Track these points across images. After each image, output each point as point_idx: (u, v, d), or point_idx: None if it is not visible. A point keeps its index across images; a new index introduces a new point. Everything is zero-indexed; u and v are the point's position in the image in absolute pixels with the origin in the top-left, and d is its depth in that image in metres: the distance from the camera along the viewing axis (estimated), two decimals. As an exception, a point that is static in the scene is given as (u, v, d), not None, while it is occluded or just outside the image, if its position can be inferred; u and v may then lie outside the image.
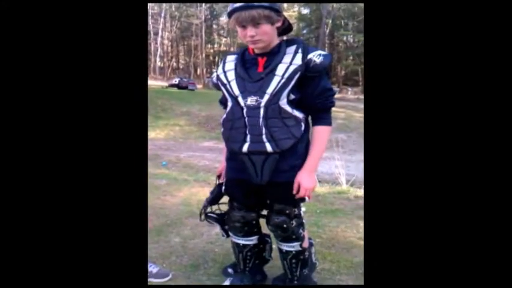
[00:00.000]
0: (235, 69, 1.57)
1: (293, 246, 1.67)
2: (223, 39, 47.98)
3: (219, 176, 1.84)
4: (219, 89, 1.64)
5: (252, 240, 1.75)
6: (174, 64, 45.73)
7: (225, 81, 1.58)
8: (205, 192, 3.72)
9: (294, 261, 1.70)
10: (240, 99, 1.51)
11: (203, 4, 38.76)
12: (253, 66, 1.54)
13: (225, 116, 1.62)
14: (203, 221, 1.83)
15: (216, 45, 48.04)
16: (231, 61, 1.61)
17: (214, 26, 47.20)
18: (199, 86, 29.95)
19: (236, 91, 1.53)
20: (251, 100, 1.48)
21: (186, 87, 26.46)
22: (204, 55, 41.32)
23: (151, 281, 1.89)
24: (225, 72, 1.59)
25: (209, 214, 1.81)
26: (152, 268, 1.93)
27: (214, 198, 1.80)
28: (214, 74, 1.67)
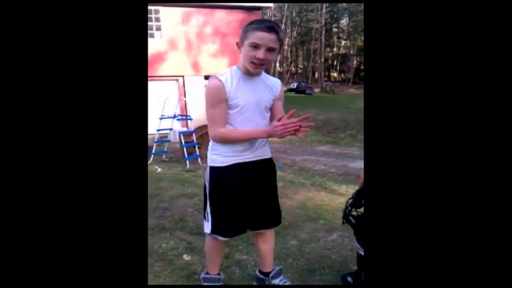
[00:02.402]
0: None
1: None
2: (343, 42, 47.05)
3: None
4: None
5: None
6: (293, 69, 46.57)
7: None
8: (321, 197, 3.71)
9: None
10: None
11: (323, 8, 38.63)
12: None
13: None
14: (344, 224, 1.78)
15: (335, 49, 47.39)
16: None
17: (334, 29, 46.62)
18: (316, 90, 29.91)
19: None
20: None
21: (304, 91, 26.70)
22: (322, 59, 41.13)
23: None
24: None
25: (349, 217, 1.73)
26: (284, 283, 1.84)
27: (355, 202, 1.73)
28: None
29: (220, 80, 1.49)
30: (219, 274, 1.83)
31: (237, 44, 1.51)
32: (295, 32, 42.73)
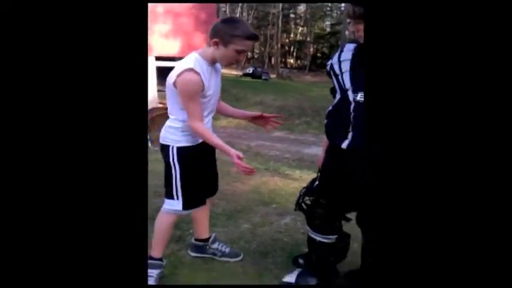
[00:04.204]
0: (352, 59, 1.48)
1: None
2: (300, 29, 47.48)
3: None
4: (331, 78, 1.56)
5: (331, 239, 1.70)
6: (249, 54, 46.41)
7: (337, 71, 1.51)
8: (275, 182, 3.75)
9: None
10: (349, 93, 1.44)
11: (281, -7, 38.61)
12: None
13: (330, 107, 1.57)
14: (296, 211, 1.82)
15: (292, 35, 47.74)
16: (349, 50, 1.51)
17: (292, 16, 46.85)
18: (273, 76, 30.06)
19: (347, 84, 1.45)
20: (361, 96, 1.40)
21: (260, 77, 26.73)
22: (279, 45, 41.29)
23: (223, 259, 1.97)
24: (340, 61, 1.51)
25: (301, 204, 1.78)
26: (224, 248, 2.00)
27: (311, 190, 1.76)
28: (329, 62, 1.59)
29: (198, 74, 1.53)
30: (161, 259, 1.80)
31: (215, 42, 1.55)
32: (251, 16, 42.41)
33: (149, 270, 1.72)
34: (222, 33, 1.54)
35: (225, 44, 1.54)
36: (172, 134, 1.68)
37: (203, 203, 1.82)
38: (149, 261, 1.74)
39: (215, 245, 2.00)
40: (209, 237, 2.00)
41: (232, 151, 1.58)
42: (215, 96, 1.70)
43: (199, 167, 1.74)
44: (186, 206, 1.71)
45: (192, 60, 1.57)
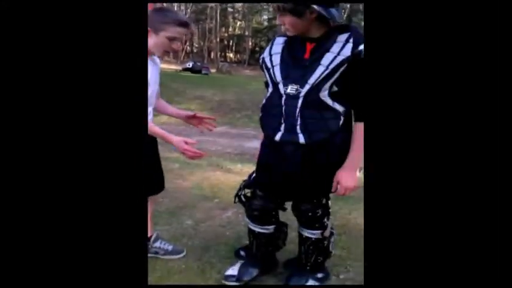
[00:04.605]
0: (282, 53, 1.52)
1: (314, 234, 1.68)
2: (238, 23, 47.53)
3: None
4: (263, 72, 1.60)
5: (269, 229, 1.76)
6: (188, 48, 45.58)
7: (269, 65, 1.54)
8: (217, 177, 3.78)
9: (311, 247, 1.72)
10: (280, 86, 1.48)
11: (218, -13, 38.30)
12: (300, 51, 1.48)
13: (264, 101, 1.60)
14: (236, 203, 1.86)
15: (230, 29, 47.64)
16: (279, 44, 1.56)
17: (230, 10, 46.72)
18: (212, 71, 29.82)
19: (278, 77, 1.49)
20: (291, 88, 1.44)
21: (199, 71, 26.40)
22: (218, 39, 41.03)
23: (166, 257, 1.96)
24: (270, 55, 1.55)
25: (240, 197, 1.82)
26: (167, 246, 2.00)
27: (249, 182, 1.80)
28: (261, 56, 1.62)
29: None
30: None
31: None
32: (189, 10, 41.62)
33: None
34: (153, 21, 1.54)
35: (156, 32, 1.55)
36: None
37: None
38: None
39: (157, 244, 1.99)
40: (151, 236, 1.99)
41: (175, 138, 1.58)
42: (152, 90, 1.68)
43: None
44: None
45: None
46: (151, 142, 1.80)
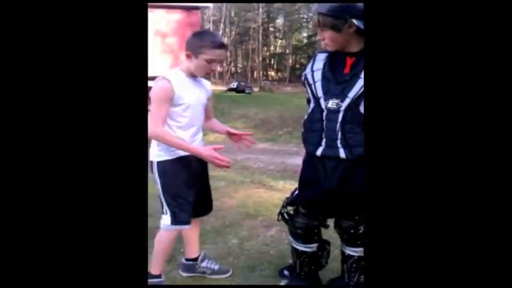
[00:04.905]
0: (323, 68, 1.55)
1: (356, 251, 1.66)
2: (279, 41, 48.07)
3: None
4: (306, 88, 1.63)
5: (312, 248, 1.75)
6: (233, 69, 46.69)
7: (311, 81, 1.58)
8: (260, 194, 3.80)
9: (354, 265, 1.69)
10: (321, 101, 1.51)
11: (260, 8, 39.16)
12: (341, 66, 1.51)
13: (306, 116, 1.63)
14: (279, 221, 1.87)
15: (272, 48, 48.27)
16: (320, 60, 1.59)
17: (271, 29, 47.45)
18: (255, 89, 30.25)
19: (319, 92, 1.52)
20: (332, 103, 1.47)
21: (243, 91, 26.89)
22: (260, 58, 41.70)
23: (213, 277, 1.99)
24: (312, 71, 1.59)
25: (284, 214, 1.83)
26: (213, 265, 2.03)
27: (292, 200, 1.81)
28: (304, 73, 1.66)
29: (169, 81, 1.62)
30: (160, 276, 1.84)
31: (188, 55, 1.66)
32: (234, 32, 42.79)
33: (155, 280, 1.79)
34: (192, 45, 1.65)
35: (195, 55, 1.64)
36: (152, 148, 1.74)
37: (190, 220, 1.80)
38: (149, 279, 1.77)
39: (204, 263, 2.02)
40: (198, 256, 2.02)
41: (203, 150, 1.63)
42: (195, 110, 1.73)
43: (183, 182, 1.73)
44: (174, 221, 1.74)
45: (170, 72, 1.69)
46: (202, 165, 1.81)
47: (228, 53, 45.51)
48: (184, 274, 2.03)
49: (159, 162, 1.72)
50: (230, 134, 1.95)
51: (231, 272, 2.04)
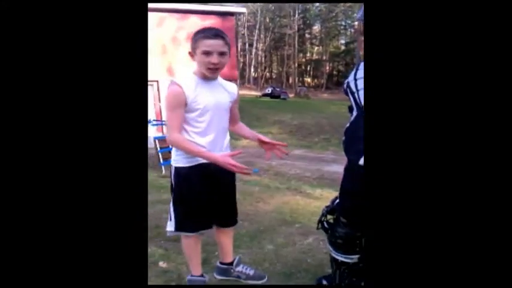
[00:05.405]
0: None
1: (352, 259, 1.64)
2: (316, 48, 47.83)
3: None
4: (348, 96, 1.58)
5: (352, 259, 1.68)
6: (267, 74, 46.89)
7: (354, 89, 1.53)
8: (297, 201, 3.75)
9: (347, 271, 1.67)
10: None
11: (296, 14, 39.22)
12: None
13: (348, 124, 1.59)
14: (319, 229, 1.82)
15: (308, 54, 48.11)
16: (363, 68, 1.53)
17: (307, 36, 47.34)
18: (291, 95, 30.23)
19: (363, 101, 1.47)
20: None
21: (278, 96, 26.95)
22: (296, 64, 41.66)
23: (249, 282, 1.97)
24: (355, 79, 1.54)
25: (323, 223, 1.78)
26: (249, 270, 2.00)
27: (332, 208, 1.77)
28: (346, 80, 1.61)
29: (179, 86, 1.58)
30: (202, 275, 1.90)
31: (190, 53, 1.64)
32: (268, 38, 43.08)
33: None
34: (191, 43, 1.61)
35: (194, 52, 1.60)
36: (173, 154, 1.74)
37: (200, 227, 1.77)
38: (191, 277, 1.88)
39: (239, 268, 2.00)
40: (233, 260, 2.01)
41: (220, 157, 1.57)
42: (214, 114, 1.66)
43: (195, 190, 1.69)
44: (178, 228, 1.72)
45: (183, 76, 1.65)
46: (225, 175, 1.73)
47: (263, 58, 45.94)
48: (219, 277, 2.02)
49: (176, 168, 1.70)
50: (262, 142, 1.85)
51: (266, 278, 2.00)
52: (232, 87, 1.78)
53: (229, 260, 2.00)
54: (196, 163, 1.66)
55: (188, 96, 1.58)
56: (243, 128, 1.94)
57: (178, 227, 1.73)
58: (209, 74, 1.62)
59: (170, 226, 1.74)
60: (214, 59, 1.57)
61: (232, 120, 1.82)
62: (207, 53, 1.56)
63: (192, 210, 1.71)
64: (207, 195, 1.73)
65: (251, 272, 2.00)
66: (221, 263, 2.02)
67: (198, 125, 1.64)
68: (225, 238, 1.96)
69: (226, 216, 1.88)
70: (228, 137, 1.80)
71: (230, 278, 2.00)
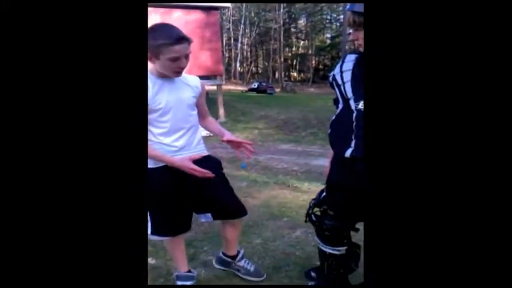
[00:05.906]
0: (353, 69, 1.51)
1: (339, 250, 1.66)
2: (301, 42, 47.90)
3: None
4: (333, 89, 1.58)
5: (340, 251, 1.70)
6: (253, 69, 46.82)
7: (339, 81, 1.53)
8: (284, 195, 3.76)
9: (335, 262, 1.70)
10: (351, 102, 1.46)
11: (281, 8, 39.15)
12: None
13: (333, 117, 1.59)
14: (307, 222, 1.82)
15: (294, 49, 48.16)
16: (350, 61, 1.54)
17: (293, 30, 47.35)
18: (277, 90, 30.24)
19: (349, 93, 1.48)
20: (362, 104, 1.42)
21: (264, 91, 26.92)
22: (282, 59, 41.65)
23: (245, 278, 1.97)
24: (341, 72, 1.53)
25: (311, 216, 1.78)
26: (250, 266, 2.00)
27: (319, 201, 1.77)
28: (332, 73, 1.61)
29: None
30: (189, 271, 1.90)
31: (150, 58, 1.50)
32: (254, 32, 42.94)
33: (181, 283, 1.86)
34: (150, 47, 1.45)
35: (156, 57, 1.48)
36: None
37: (176, 231, 1.74)
38: (178, 273, 1.88)
39: (241, 263, 1.98)
40: (237, 254, 1.98)
41: (179, 161, 1.53)
42: (177, 112, 1.59)
43: (163, 192, 1.61)
44: (154, 231, 1.68)
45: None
46: (219, 174, 1.71)
47: (249, 53, 45.78)
48: (217, 266, 2.03)
49: (148, 170, 1.57)
50: (228, 142, 1.73)
51: (264, 276, 1.98)
52: (195, 81, 1.70)
53: (233, 253, 1.98)
54: (162, 164, 1.59)
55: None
56: (212, 123, 1.85)
57: (153, 231, 1.68)
58: (175, 76, 1.58)
59: (149, 230, 1.68)
60: (183, 63, 1.52)
61: (200, 116, 1.75)
62: (174, 59, 1.49)
63: (164, 213, 1.66)
64: (180, 196, 1.66)
65: (251, 268, 1.99)
66: (224, 254, 2.00)
67: (162, 125, 1.57)
68: (234, 233, 1.90)
69: (226, 206, 1.76)
70: (199, 134, 1.73)
71: (229, 269, 2.00)
